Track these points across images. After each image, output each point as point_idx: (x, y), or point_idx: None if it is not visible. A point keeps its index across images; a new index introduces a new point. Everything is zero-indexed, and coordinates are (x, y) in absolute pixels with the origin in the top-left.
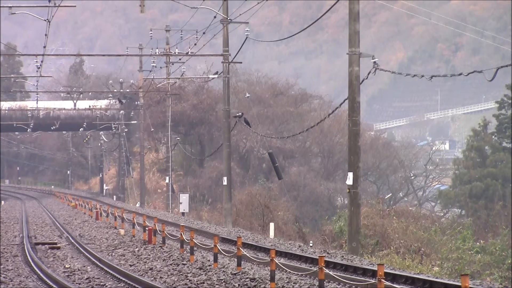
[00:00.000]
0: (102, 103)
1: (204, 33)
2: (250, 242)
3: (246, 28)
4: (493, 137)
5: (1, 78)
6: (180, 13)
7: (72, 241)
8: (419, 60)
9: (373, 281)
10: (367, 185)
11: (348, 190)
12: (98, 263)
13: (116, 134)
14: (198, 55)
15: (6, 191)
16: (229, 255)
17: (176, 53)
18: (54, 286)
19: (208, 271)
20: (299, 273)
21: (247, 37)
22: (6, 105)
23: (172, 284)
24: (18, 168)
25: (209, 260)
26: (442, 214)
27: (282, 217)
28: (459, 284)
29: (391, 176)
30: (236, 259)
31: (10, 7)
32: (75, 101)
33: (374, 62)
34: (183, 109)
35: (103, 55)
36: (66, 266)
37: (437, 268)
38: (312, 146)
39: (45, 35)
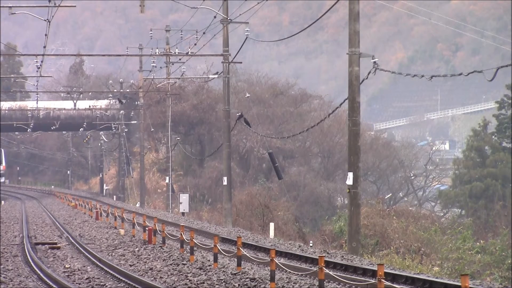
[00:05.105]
0: (102, 103)
1: (204, 33)
2: (250, 242)
3: (246, 28)
4: (493, 137)
5: (1, 78)
6: (180, 13)
7: (72, 241)
8: (419, 60)
9: (373, 281)
10: (367, 185)
11: (348, 190)
12: (98, 263)
13: (116, 134)
14: (198, 55)
15: (6, 191)
16: (229, 255)
17: (176, 53)
18: (54, 286)
19: (208, 271)
20: (299, 273)
21: (247, 37)
22: (6, 105)
23: (172, 284)
24: (18, 168)
25: (209, 260)
26: (442, 214)
27: (282, 217)
28: (459, 284)
29: (391, 176)
30: (236, 259)
31: (10, 7)
32: (75, 101)
33: (374, 62)
34: (183, 109)
35: (103, 55)
36: (66, 266)
37: (437, 268)
38: (312, 146)
39: (45, 35)
